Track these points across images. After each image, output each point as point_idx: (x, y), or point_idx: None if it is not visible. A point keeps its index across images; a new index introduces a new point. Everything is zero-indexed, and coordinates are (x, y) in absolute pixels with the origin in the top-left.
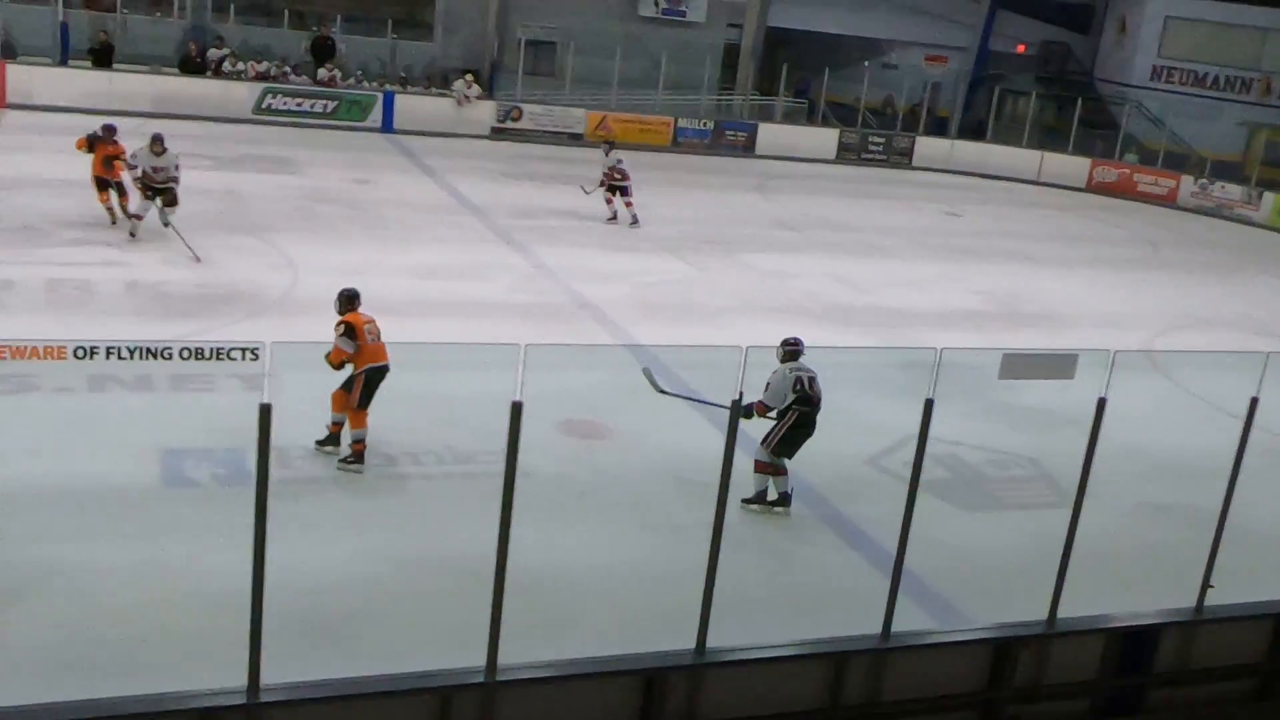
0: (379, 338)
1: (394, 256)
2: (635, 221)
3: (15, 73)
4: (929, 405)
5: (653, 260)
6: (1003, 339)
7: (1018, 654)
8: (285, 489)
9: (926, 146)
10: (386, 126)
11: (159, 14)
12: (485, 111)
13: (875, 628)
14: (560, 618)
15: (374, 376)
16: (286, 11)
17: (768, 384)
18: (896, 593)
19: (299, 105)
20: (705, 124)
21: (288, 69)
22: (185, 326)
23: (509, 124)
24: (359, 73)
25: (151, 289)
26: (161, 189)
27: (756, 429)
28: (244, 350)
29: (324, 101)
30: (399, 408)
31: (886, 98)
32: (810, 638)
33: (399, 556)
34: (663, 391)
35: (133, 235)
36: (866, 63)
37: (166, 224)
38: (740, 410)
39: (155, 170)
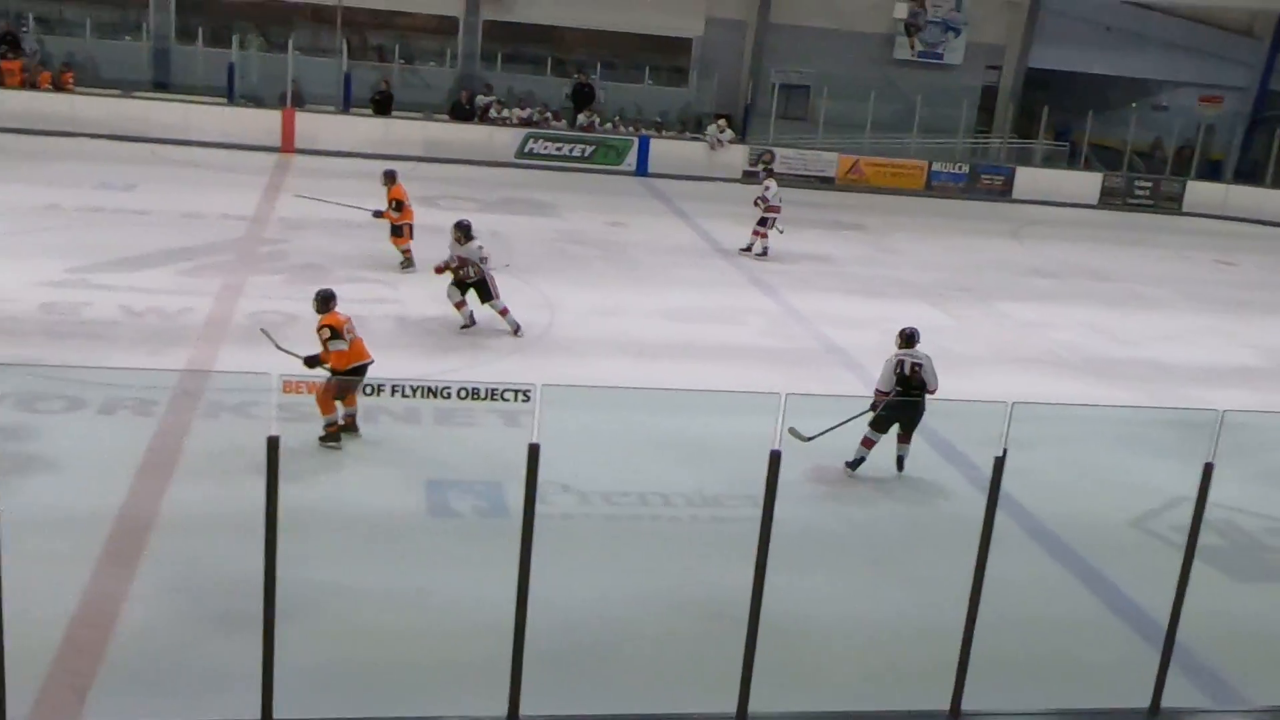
0: (356, 334)
1: (647, 298)
2: (764, 254)
3: (303, 120)
4: (1208, 470)
5: (904, 306)
6: None
7: None
8: (541, 524)
9: (1198, 191)
10: (641, 170)
11: (433, 63)
12: (737, 155)
13: (1141, 700)
14: (809, 668)
15: (358, 373)
16: (549, 59)
17: (881, 373)
18: (1168, 665)
19: (558, 149)
20: (961, 167)
21: (549, 114)
22: (449, 362)
23: (760, 168)
24: (616, 117)
25: (419, 325)
26: (472, 283)
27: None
28: (516, 392)
29: (582, 146)
30: (652, 449)
31: (1155, 140)
32: (1072, 706)
33: (650, 595)
34: (810, 439)
35: (465, 327)
36: (1134, 104)
37: (517, 330)
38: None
39: (461, 262)
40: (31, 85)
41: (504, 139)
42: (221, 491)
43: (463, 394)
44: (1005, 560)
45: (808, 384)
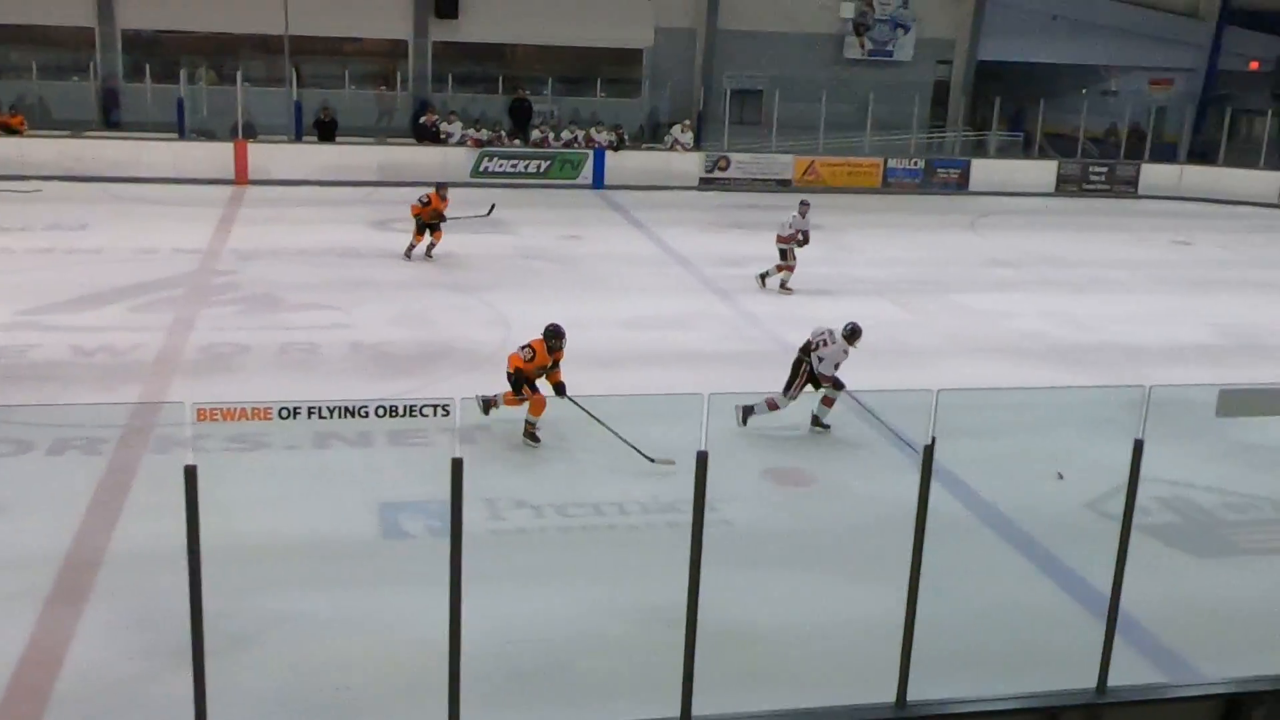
0: None
1: (605, 310)
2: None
3: (255, 151)
4: (1138, 447)
5: (862, 304)
6: (1242, 374)
7: (1251, 710)
8: (496, 539)
9: (1153, 174)
10: (598, 183)
11: (384, 87)
12: (693, 162)
13: (1092, 681)
14: (762, 668)
15: None
16: (501, 77)
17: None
18: (1111, 643)
19: (513, 166)
20: (916, 163)
21: (503, 133)
22: (404, 384)
23: (716, 174)
24: (572, 126)
25: (373, 349)
26: None
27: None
28: (435, 407)
29: (537, 162)
30: (602, 458)
31: (1109, 126)
32: (1020, 691)
33: (605, 606)
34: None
35: None
36: (1084, 91)
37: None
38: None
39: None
40: None
41: (458, 158)
42: (172, 526)
43: (381, 412)
44: (961, 550)
45: (768, 385)
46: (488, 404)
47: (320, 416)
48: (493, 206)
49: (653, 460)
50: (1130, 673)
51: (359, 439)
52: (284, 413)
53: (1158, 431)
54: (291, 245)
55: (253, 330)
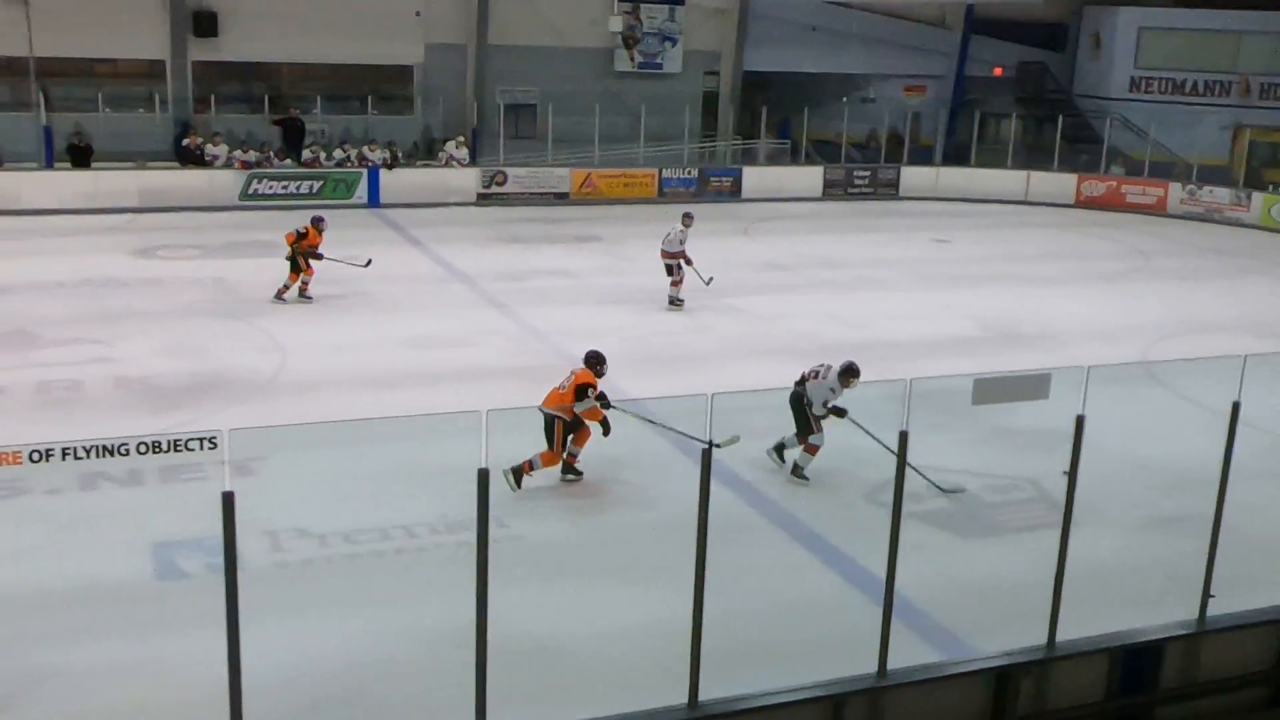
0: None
1: (384, 329)
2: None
3: (2, 180)
4: (904, 437)
5: (642, 312)
6: (1000, 362)
7: (1019, 681)
8: (279, 572)
9: (912, 176)
10: (373, 202)
11: (141, 109)
12: (470, 178)
13: (873, 665)
14: (557, 681)
15: None
16: (266, 97)
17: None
18: (889, 628)
19: (284, 188)
20: (689, 172)
21: (272, 154)
22: (174, 417)
23: (494, 189)
24: (345, 145)
25: (141, 383)
26: None
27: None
28: (201, 440)
29: (309, 182)
30: (388, 481)
31: (869, 132)
32: (808, 681)
33: (396, 631)
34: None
35: None
36: (845, 99)
37: None
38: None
39: None
40: None
41: (225, 181)
42: None
43: (143, 449)
44: (747, 548)
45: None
46: (519, 474)
47: (77, 457)
48: (369, 261)
49: (719, 445)
50: (910, 654)
51: (128, 478)
52: (35, 455)
53: (922, 421)
54: (47, 277)
55: (6, 370)
